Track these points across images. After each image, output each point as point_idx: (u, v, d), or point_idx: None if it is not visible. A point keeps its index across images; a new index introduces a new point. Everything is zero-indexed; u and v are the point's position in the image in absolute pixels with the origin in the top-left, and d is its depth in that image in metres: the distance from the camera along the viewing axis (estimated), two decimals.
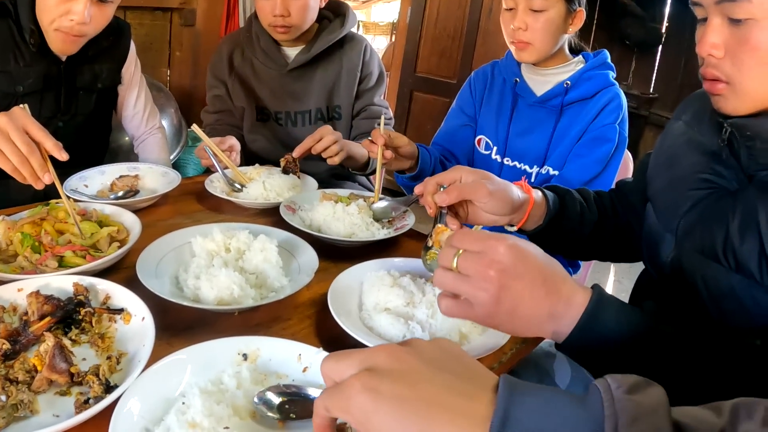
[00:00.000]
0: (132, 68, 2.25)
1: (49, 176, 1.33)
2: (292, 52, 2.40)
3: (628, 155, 2.29)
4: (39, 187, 1.34)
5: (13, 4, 1.89)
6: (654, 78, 6.30)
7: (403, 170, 2.02)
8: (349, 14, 2.46)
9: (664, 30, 6.13)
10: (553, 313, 0.90)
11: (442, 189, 1.28)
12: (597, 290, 0.93)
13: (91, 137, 2.22)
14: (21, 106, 1.37)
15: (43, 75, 1.94)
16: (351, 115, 2.49)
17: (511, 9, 1.96)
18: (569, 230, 1.45)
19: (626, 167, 2.33)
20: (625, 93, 2.02)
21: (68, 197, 1.60)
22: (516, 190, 1.30)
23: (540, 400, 0.60)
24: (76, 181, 1.82)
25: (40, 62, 1.92)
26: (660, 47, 6.21)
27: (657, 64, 6.30)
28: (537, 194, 1.37)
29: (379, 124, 1.86)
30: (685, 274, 1.18)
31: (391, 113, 2.56)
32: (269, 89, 2.42)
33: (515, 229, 1.36)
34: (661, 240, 1.29)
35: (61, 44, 1.88)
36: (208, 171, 2.22)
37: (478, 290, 0.88)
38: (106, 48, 2.03)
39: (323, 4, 2.38)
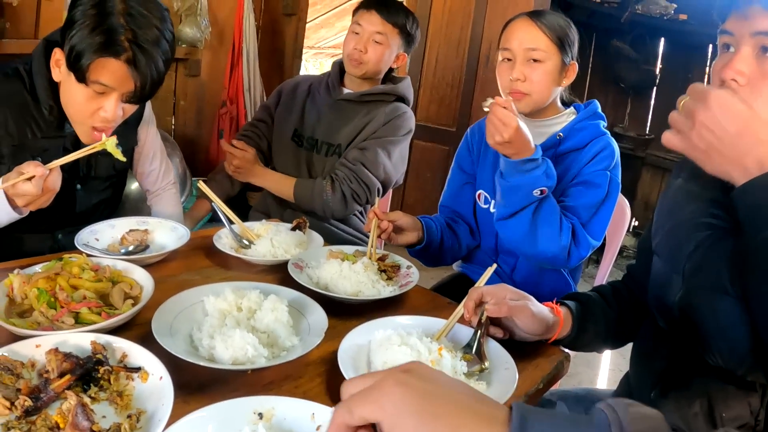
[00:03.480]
0: (147, 127, 2.27)
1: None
2: (349, 92, 2.73)
3: (624, 200, 2.35)
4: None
5: (28, 73, 1.87)
6: (650, 119, 6.37)
7: (413, 244, 2.11)
8: (405, 79, 2.82)
9: (657, 72, 6.21)
10: None
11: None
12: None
13: (109, 195, 2.23)
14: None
15: (61, 146, 1.93)
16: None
17: (509, 60, 2.02)
18: (596, 332, 1.57)
19: (623, 212, 2.39)
20: (621, 135, 2.11)
21: (81, 252, 1.66)
22: (549, 313, 1.47)
23: (549, 415, 0.65)
24: (87, 234, 1.84)
25: (57, 134, 1.91)
26: (654, 89, 6.30)
27: (652, 105, 6.37)
28: (564, 310, 1.52)
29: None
30: (694, 311, 1.23)
31: (394, 175, 2.67)
32: (315, 113, 2.76)
33: (548, 343, 1.52)
34: (668, 283, 1.34)
35: (90, 138, 1.84)
36: (213, 219, 2.33)
37: None
38: None
39: (396, 64, 2.75)
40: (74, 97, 1.77)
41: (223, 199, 2.41)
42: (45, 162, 1.76)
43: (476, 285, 1.53)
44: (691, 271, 1.25)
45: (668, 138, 1.15)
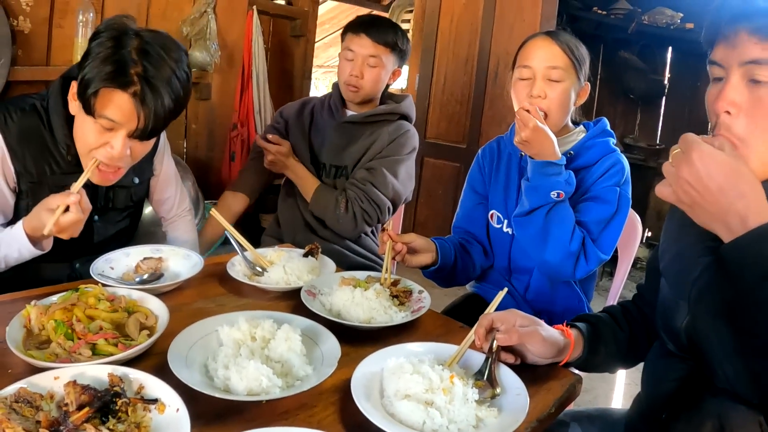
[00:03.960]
0: (162, 157, 2.28)
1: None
2: (352, 114, 2.75)
3: (635, 216, 2.36)
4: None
5: (45, 109, 1.89)
6: (660, 129, 6.38)
7: (427, 266, 2.13)
8: (407, 97, 2.85)
9: (666, 81, 6.22)
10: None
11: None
12: None
13: (126, 224, 2.25)
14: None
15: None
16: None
17: (527, 79, 2.04)
18: (607, 353, 1.58)
19: (634, 227, 2.40)
20: (631, 146, 2.11)
21: (97, 282, 1.68)
22: (559, 336, 1.49)
23: None
24: (102, 263, 1.86)
25: (75, 170, 1.85)
26: (664, 98, 6.30)
27: (662, 115, 6.38)
28: (574, 333, 1.54)
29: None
30: (700, 337, 1.24)
31: (402, 193, 2.68)
32: (320, 136, 2.77)
33: (560, 366, 1.53)
34: (675, 308, 1.35)
35: (97, 178, 1.85)
36: (225, 242, 2.36)
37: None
38: None
39: (392, 81, 2.78)
40: (83, 130, 1.79)
41: (255, 194, 2.76)
42: None
43: (487, 310, 1.54)
44: (697, 297, 1.25)
45: (660, 189, 1.16)
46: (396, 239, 1.99)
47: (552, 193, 1.91)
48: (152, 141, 1.89)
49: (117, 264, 1.91)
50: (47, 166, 1.90)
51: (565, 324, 1.55)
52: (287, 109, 2.88)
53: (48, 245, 1.75)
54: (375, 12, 8.62)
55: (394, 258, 2.00)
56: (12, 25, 2.98)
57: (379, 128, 2.70)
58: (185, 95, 1.81)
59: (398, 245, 1.99)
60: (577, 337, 1.53)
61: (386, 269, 1.91)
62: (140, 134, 1.75)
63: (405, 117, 2.78)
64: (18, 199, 1.92)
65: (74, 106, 1.79)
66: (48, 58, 3.23)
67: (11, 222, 1.90)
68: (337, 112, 2.77)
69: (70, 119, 1.85)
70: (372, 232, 2.83)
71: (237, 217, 2.78)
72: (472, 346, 1.48)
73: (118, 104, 1.69)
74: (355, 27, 2.62)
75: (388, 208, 2.60)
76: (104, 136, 1.75)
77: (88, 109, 1.70)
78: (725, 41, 1.19)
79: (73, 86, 1.75)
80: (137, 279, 1.86)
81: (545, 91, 2.00)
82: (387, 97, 2.84)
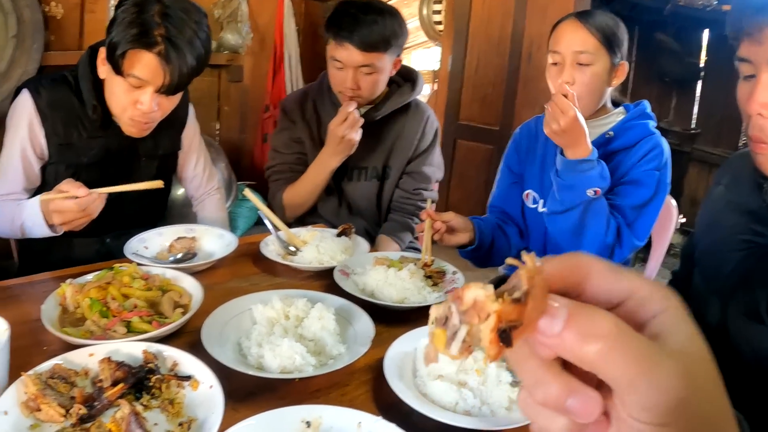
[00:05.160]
0: (191, 133, 2.33)
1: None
2: (359, 109, 2.42)
3: (671, 201, 2.32)
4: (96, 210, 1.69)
5: (74, 77, 1.99)
6: (695, 113, 6.22)
7: (464, 245, 2.11)
8: (418, 81, 2.55)
9: (702, 64, 6.08)
10: None
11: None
12: None
13: (153, 200, 2.28)
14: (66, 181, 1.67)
15: (105, 146, 2.02)
16: (399, 177, 2.56)
17: (557, 64, 2.01)
18: None
19: (669, 213, 2.36)
20: (666, 130, 2.06)
21: (131, 260, 1.70)
22: None
23: None
24: (136, 243, 1.88)
25: (102, 134, 2.00)
26: (699, 82, 6.17)
27: (697, 99, 6.21)
28: None
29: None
30: (731, 337, 1.20)
31: (440, 175, 2.63)
32: None
33: None
34: (706, 303, 1.31)
35: (132, 130, 1.97)
36: (259, 222, 2.29)
37: None
38: (167, 115, 2.08)
39: (394, 73, 2.46)
40: (114, 90, 1.88)
41: None
42: (89, 161, 1.95)
43: None
44: (728, 295, 1.22)
45: None
46: (435, 218, 1.98)
47: (588, 191, 1.86)
48: (178, 96, 1.98)
49: (151, 243, 1.93)
50: (74, 130, 1.98)
51: None
52: (289, 106, 2.57)
53: (60, 229, 1.80)
54: None
55: (432, 238, 1.98)
56: (44, 11, 3.02)
57: (396, 119, 2.52)
58: (206, 54, 1.92)
59: (437, 224, 1.98)
60: None
61: (426, 249, 1.90)
62: (166, 89, 1.85)
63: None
64: (46, 165, 2.01)
65: (103, 70, 1.90)
66: (80, 42, 3.28)
67: (40, 189, 2.01)
68: None
69: (97, 83, 1.95)
70: None
71: None
72: None
73: (145, 63, 1.79)
74: (335, 34, 2.27)
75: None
76: (133, 94, 1.85)
77: (118, 70, 1.81)
78: (750, 37, 1.09)
79: (101, 52, 1.87)
80: (171, 258, 1.87)
81: (573, 77, 1.96)
82: (391, 80, 2.52)
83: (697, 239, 1.44)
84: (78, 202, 1.64)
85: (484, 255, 2.20)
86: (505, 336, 0.44)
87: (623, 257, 1.95)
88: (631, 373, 0.41)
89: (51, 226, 1.78)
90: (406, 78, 2.58)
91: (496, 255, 2.24)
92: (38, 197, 1.75)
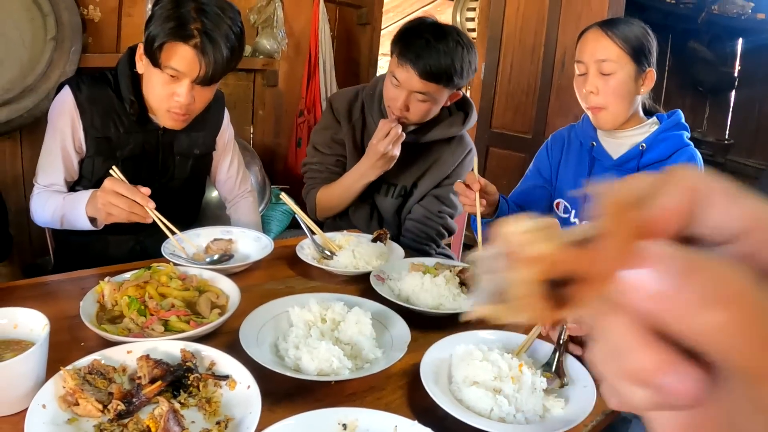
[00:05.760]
0: (226, 135, 2.37)
1: (149, 217, 1.75)
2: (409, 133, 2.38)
3: None
4: (148, 221, 1.75)
5: (113, 75, 2.04)
6: (729, 123, 6.15)
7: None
8: (471, 115, 2.46)
9: (736, 73, 6.01)
10: None
11: None
12: None
13: (186, 199, 2.33)
14: (111, 171, 1.78)
15: (142, 142, 2.07)
16: (421, 197, 2.50)
17: (583, 74, 2.00)
18: None
19: None
20: (700, 140, 2.02)
21: (169, 261, 1.72)
22: None
23: None
24: (173, 244, 1.90)
25: (139, 130, 2.06)
26: (733, 91, 6.09)
27: (731, 109, 6.16)
28: None
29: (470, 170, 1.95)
30: None
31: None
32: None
33: None
34: None
35: (170, 122, 2.02)
36: (292, 226, 2.29)
37: None
38: (203, 116, 2.12)
39: (449, 104, 2.38)
40: (152, 82, 1.95)
41: None
42: (124, 156, 2.03)
43: None
44: None
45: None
46: (483, 189, 1.94)
47: None
48: (213, 89, 2.04)
49: (187, 244, 1.94)
50: (112, 124, 2.04)
51: None
52: (338, 104, 2.52)
53: (101, 224, 1.89)
54: (440, 1, 8.53)
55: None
56: (82, 14, 3.07)
57: (439, 148, 2.46)
58: (240, 47, 1.99)
59: (483, 201, 1.95)
60: None
61: (479, 226, 1.89)
62: (202, 81, 1.92)
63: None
64: (84, 158, 2.06)
65: (141, 65, 1.98)
66: (118, 45, 3.32)
67: (77, 183, 2.11)
68: None
69: (135, 79, 2.03)
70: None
71: None
72: (540, 336, 1.46)
73: (182, 55, 1.86)
74: (401, 54, 2.17)
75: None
76: (171, 86, 1.92)
77: (155, 62, 1.88)
78: None
79: (140, 47, 1.95)
80: (207, 259, 1.88)
81: (597, 86, 1.95)
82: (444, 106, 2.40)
83: None
84: (131, 203, 1.72)
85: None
86: (556, 293, 0.33)
87: None
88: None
89: (92, 221, 1.86)
90: (459, 106, 2.49)
91: None
92: (86, 193, 1.85)
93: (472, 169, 1.98)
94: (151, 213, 1.75)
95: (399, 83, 2.18)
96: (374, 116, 2.42)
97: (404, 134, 2.23)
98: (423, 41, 2.12)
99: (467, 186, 1.93)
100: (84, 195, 1.87)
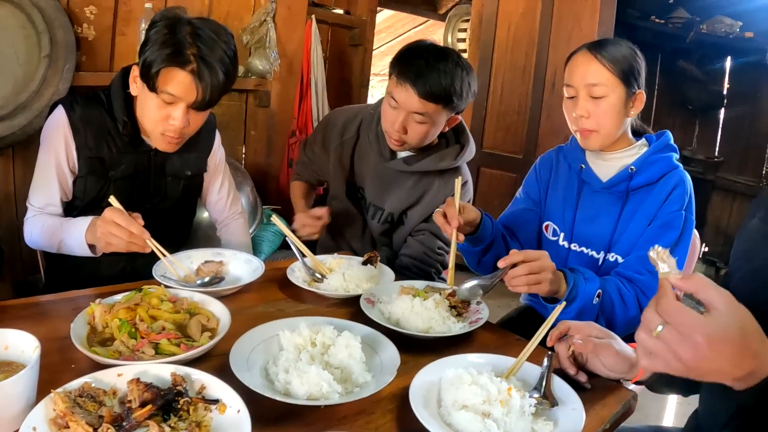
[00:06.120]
0: (217, 157, 2.39)
1: (148, 247, 1.78)
2: (402, 149, 2.39)
3: (694, 233, 2.29)
4: (147, 251, 1.77)
5: (106, 96, 2.05)
6: (718, 141, 6.16)
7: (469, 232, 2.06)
8: (467, 147, 2.45)
9: (725, 92, 6.04)
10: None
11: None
12: None
13: (178, 220, 2.35)
14: (110, 200, 1.76)
15: (134, 163, 2.08)
16: (413, 227, 2.50)
17: (572, 97, 2.00)
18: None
19: (693, 244, 2.33)
20: (689, 158, 2.03)
21: (159, 283, 1.73)
22: (633, 352, 1.45)
23: None
24: (164, 265, 1.89)
25: (131, 151, 2.08)
26: (722, 110, 6.12)
27: (720, 126, 6.17)
28: None
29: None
30: None
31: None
32: (364, 166, 2.53)
33: (631, 383, 1.51)
34: None
35: (164, 145, 2.03)
36: (283, 246, 2.33)
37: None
38: (194, 138, 2.13)
39: (447, 129, 2.37)
40: (147, 105, 1.95)
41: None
42: (117, 177, 2.04)
43: (545, 323, 1.52)
44: (765, 325, 1.22)
45: (651, 363, 1.04)
46: (461, 220, 1.90)
47: (594, 300, 1.82)
48: (206, 113, 2.06)
49: (178, 266, 1.93)
50: (105, 144, 2.05)
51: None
52: (336, 119, 2.59)
53: (100, 251, 1.91)
54: (432, 22, 8.58)
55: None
56: (77, 33, 3.08)
57: (430, 179, 2.44)
58: (234, 70, 2.01)
59: (461, 236, 1.95)
60: None
61: (452, 260, 1.92)
62: (198, 105, 1.93)
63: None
64: (77, 178, 2.06)
65: (135, 87, 1.98)
66: (111, 64, 3.33)
67: (69, 203, 2.11)
68: (384, 148, 2.42)
69: (128, 100, 2.04)
70: None
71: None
72: (530, 359, 1.47)
73: (179, 80, 1.87)
74: (400, 73, 2.17)
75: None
76: (166, 110, 1.93)
77: (152, 87, 1.88)
78: None
79: (134, 70, 1.96)
80: (198, 282, 1.88)
81: (588, 110, 1.95)
82: (442, 134, 2.42)
83: (732, 271, 1.44)
84: (129, 233, 1.73)
85: (481, 251, 2.12)
86: None
87: None
88: None
89: (91, 247, 1.88)
90: (457, 135, 2.50)
91: (490, 259, 2.13)
92: (85, 220, 1.87)
93: (452, 195, 1.96)
94: (149, 243, 1.76)
95: (397, 104, 2.18)
96: (370, 136, 2.46)
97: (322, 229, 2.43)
98: (423, 61, 2.13)
99: (446, 219, 1.91)
100: (83, 222, 1.88)
